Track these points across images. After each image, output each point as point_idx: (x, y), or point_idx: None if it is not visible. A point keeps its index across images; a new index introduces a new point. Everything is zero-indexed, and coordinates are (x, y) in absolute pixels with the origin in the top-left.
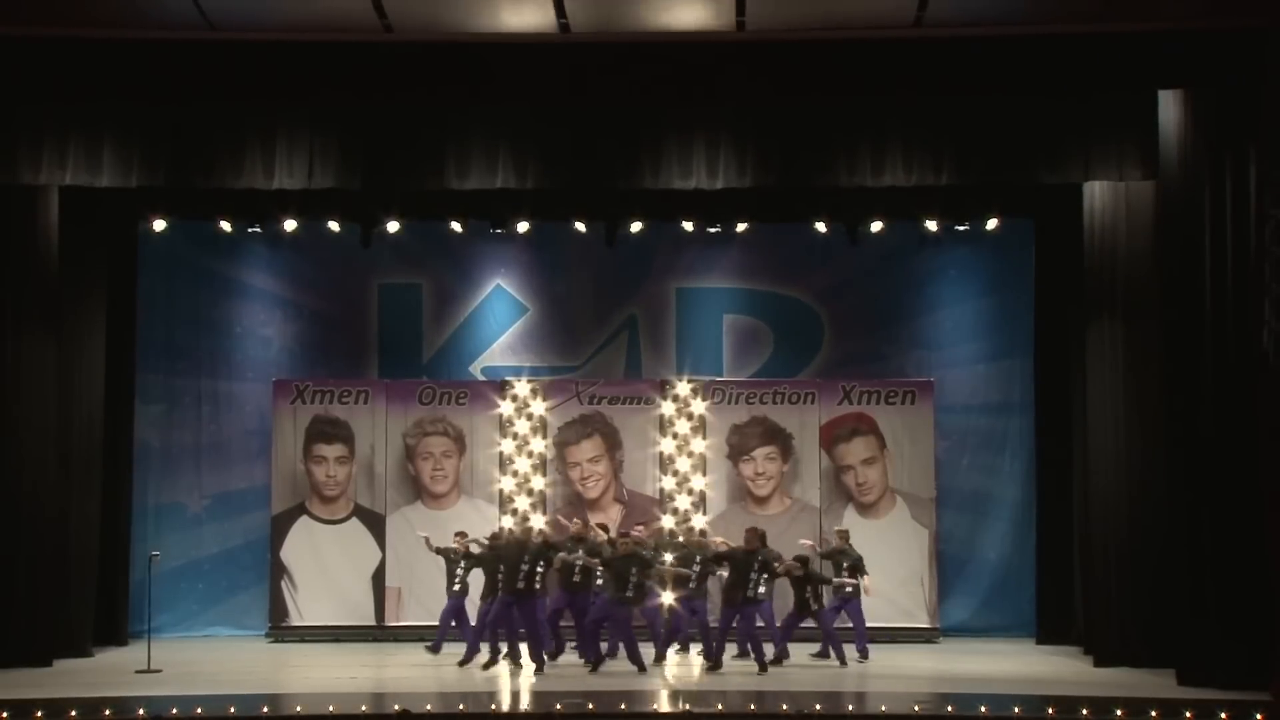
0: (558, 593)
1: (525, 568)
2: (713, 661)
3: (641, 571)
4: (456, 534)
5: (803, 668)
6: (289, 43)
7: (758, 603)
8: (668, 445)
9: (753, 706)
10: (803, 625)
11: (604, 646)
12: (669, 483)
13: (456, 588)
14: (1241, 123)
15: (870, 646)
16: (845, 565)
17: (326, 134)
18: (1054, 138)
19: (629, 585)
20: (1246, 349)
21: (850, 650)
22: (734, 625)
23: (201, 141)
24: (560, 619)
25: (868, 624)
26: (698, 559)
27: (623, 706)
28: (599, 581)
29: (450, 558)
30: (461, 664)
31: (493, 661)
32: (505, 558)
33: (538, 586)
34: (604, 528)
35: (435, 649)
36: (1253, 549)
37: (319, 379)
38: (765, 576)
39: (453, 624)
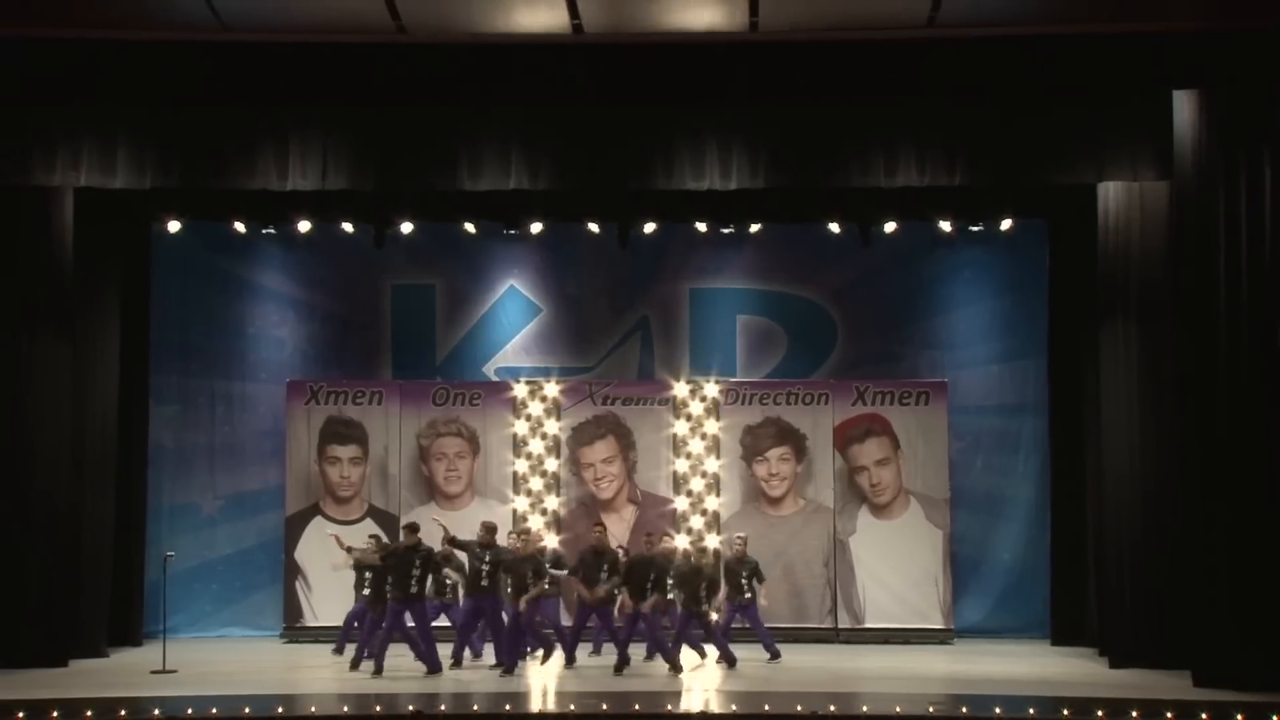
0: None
1: (416, 573)
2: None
3: (536, 574)
4: (370, 536)
5: (814, 667)
6: (302, 44)
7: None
8: (681, 446)
9: (767, 707)
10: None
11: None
12: (682, 484)
13: (367, 591)
14: (1256, 123)
15: (886, 647)
16: (744, 574)
17: (340, 135)
18: (1068, 138)
19: (526, 587)
20: (1261, 349)
21: (759, 652)
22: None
23: (215, 142)
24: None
25: (887, 625)
26: (605, 566)
27: (636, 707)
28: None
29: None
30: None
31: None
32: (397, 566)
33: (448, 590)
34: (668, 535)
35: (339, 650)
36: (1269, 549)
37: (332, 380)
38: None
39: (355, 625)
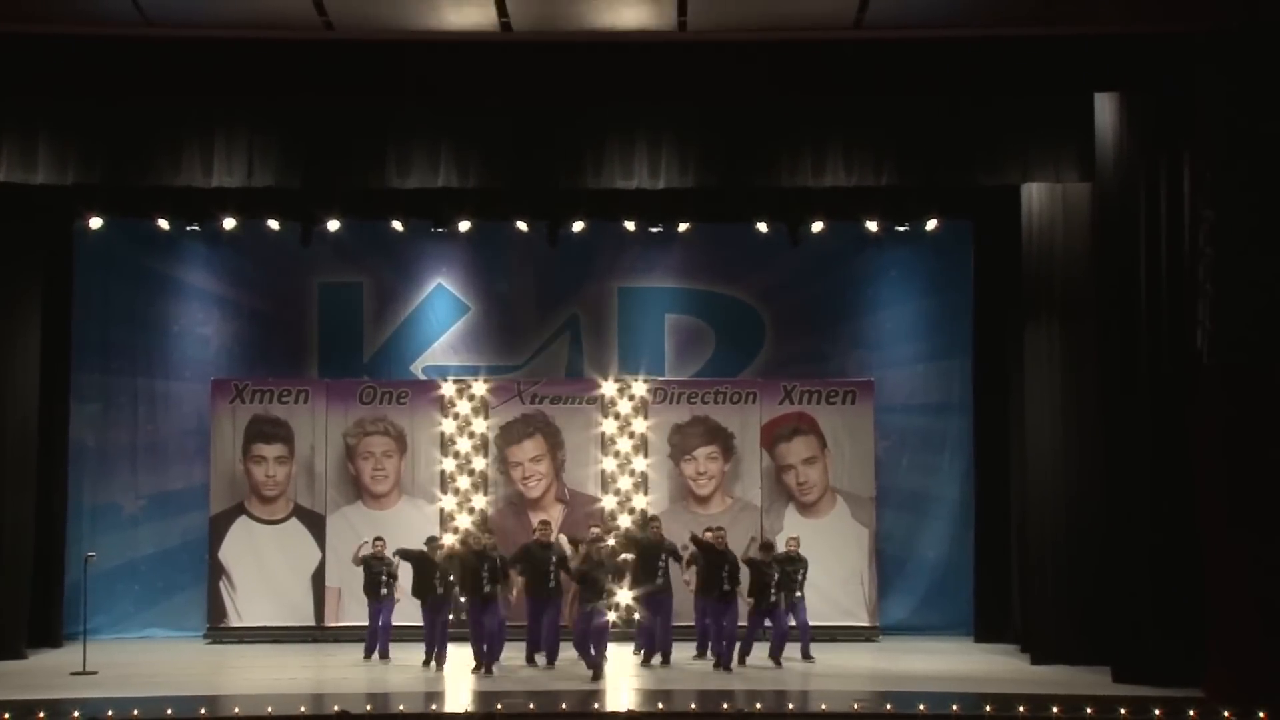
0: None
1: (485, 575)
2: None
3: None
4: (376, 539)
5: (758, 669)
6: (228, 40)
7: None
8: (609, 445)
9: (693, 705)
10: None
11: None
12: (610, 482)
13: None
14: (1176, 125)
15: (811, 645)
16: (800, 574)
17: (266, 132)
18: (993, 140)
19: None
20: (1181, 349)
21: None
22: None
23: (139, 139)
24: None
25: (814, 623)
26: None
27: (563, 706)
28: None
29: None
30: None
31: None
32: (466, 569)
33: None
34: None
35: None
36: (1187, 547)
37: (258, 378)
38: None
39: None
